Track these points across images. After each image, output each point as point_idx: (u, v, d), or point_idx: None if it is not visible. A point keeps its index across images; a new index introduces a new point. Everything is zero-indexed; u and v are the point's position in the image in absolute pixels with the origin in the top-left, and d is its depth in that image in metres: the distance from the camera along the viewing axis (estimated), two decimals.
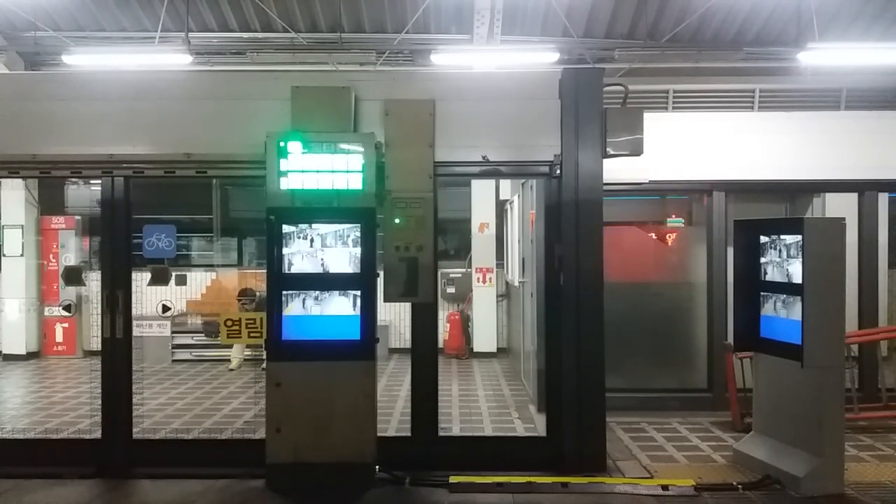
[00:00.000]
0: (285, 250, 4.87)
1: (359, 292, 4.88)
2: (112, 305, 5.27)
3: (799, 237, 4.85)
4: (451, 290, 10.74)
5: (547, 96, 5.27)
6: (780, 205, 7.92)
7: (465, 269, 10.79)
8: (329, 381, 4.86)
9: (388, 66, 10.29)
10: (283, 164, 4.90)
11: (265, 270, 4.94)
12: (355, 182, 4.92)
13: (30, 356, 10.08)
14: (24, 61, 10.46)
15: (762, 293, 5.32)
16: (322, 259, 4.89)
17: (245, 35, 10.21)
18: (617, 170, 5.75)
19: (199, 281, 10.74)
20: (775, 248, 5.18)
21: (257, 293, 8.58)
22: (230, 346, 9.05)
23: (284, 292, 4.87)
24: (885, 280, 7.25)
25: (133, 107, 5.26)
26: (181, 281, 10.46)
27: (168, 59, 9.16)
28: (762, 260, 5.31)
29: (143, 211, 6.11)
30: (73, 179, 9.01)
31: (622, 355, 6.69)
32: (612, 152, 5.25)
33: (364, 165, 4.92)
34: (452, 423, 6.60)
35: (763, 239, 5.30)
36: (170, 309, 6.33)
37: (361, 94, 5.22)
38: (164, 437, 5.97)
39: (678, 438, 6.04)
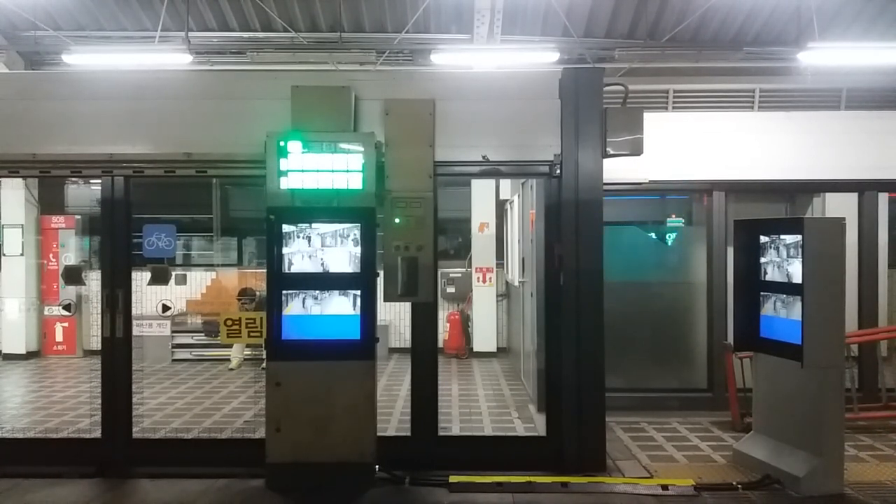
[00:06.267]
0: (285, 250, 4.87)
1: (359, 292, 4.87)
2: (112, 305, 5.27)
3: (799, 237, 4.85)
4: (451, 289, 10.74)
5: (547, 96, 5.27)
6: (780, 205, 7.91)
7: (465, 269, 10.79)
8: (329, 380, 4.86)
9: (388, 65, 10.29)
10: (283, 164, 4.90)
11: (265, 270, 4.93)
12: (355, 182, 4.92)
13: (30, 355, 10.08)
14: (25, 61, 10.46)
15: (762, 293, 5.32)
16: (322, 259, 4.89)
17: (245, 34, 10.21)
18: (617, 170, 5.75)
19: (198, 280, 10.74)
20: (775, 248, 5.18)
21: (257, 293, 8.58)
22: (230, 346, 9.05)
23: (284, 292, 4.87)
24: (885, 280, 7.26)
25: (133, 106, 5.26)
26: (181, 280, 10.47)
27: (168, 58, 9.15)
28: (762, 260, 5.31)
29: (143, 210, 6.12)
30: (73, 179, 9.01)
31: (622, 355, 6.69)
32: (612, 152, 5.25)
33: (364, 165, 4.92)
34: (452, 422, 6.60)
35: (763, 239, 5.30)
36: (170, 308, 6.33)
37: (361, 94, 5.22)
38: (164, 437, 5.98)
39: (678, 438, 6.05)
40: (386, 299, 5.11)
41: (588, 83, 5.28)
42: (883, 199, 7.12)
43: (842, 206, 7.00)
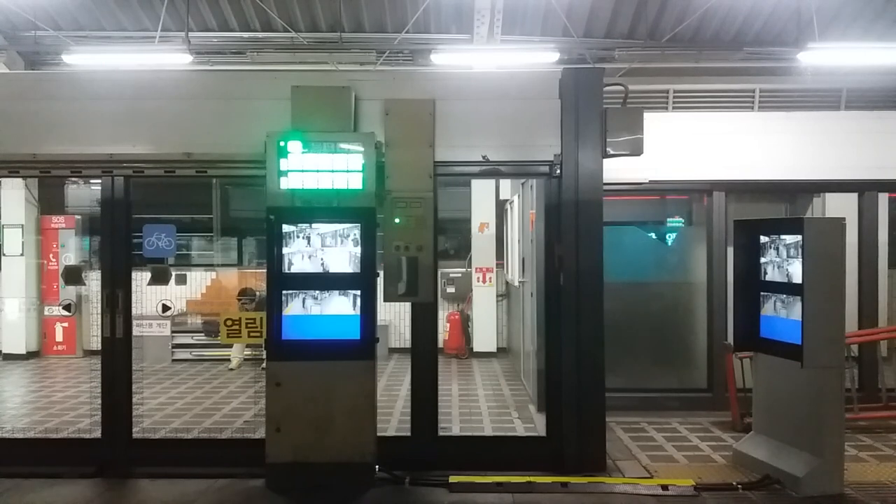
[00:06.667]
0: (285, 250, 4.87)
1: (359, 292, 4.87)
2: (112, 305, 5.27)
3: (799, 237, 4.85)
4: (451, 290, 10.74)
5: (547, 96, 5.27)
6: (780, 205, 7.92)
7: (465, 269, 10.79)
8: (329, 380, 4.86)
9: (388, 65, 10.29)
10: (283, 164, 4.90)
11: (265, 270, 4.93)
12: (355, 182, 4.92)
13: (30, 356, 10.08)
14: (25, 61, 10.46)
15: (762, 293, 5.31)
16: (322, 259, 4.89)
17: (245, 34, 10.21)
18: (617, 170, 5.75)
19: (198, 280, 10.74)
20: (775, 248, 5.18)
21: (257, 293, 8.58)
22: (230, 346, 9.05)
23: (284, 292, 4.87)
24: (885, 280, 7.25)
25: (133, 106, 5.26)
26: (181, 280, 10.47)
27: (168, 58, 9.16)
28: (762, 260, 5.31)
29: (143, 210, 6.12)
30: (73, 179, 9.02)
31: (622, 355, 6.68)
32: (612, 152, 5.25)
33: (364, 165, 4.92)
34: (452, 422, 6.60)
35: (763, 239, 5.30)
36: (170, 308, 6.33)
37: (361, 94, 5.22)
38: (164, 437, 5.98)
39: (678, 438, 6.04)
40: (386, 299, 5.11)
41: (588, 83, 5.28)
42: (883, 199, 7.12)
43: (842, 206, 7.00)
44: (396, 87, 5.31)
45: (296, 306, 4.88)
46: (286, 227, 4.86)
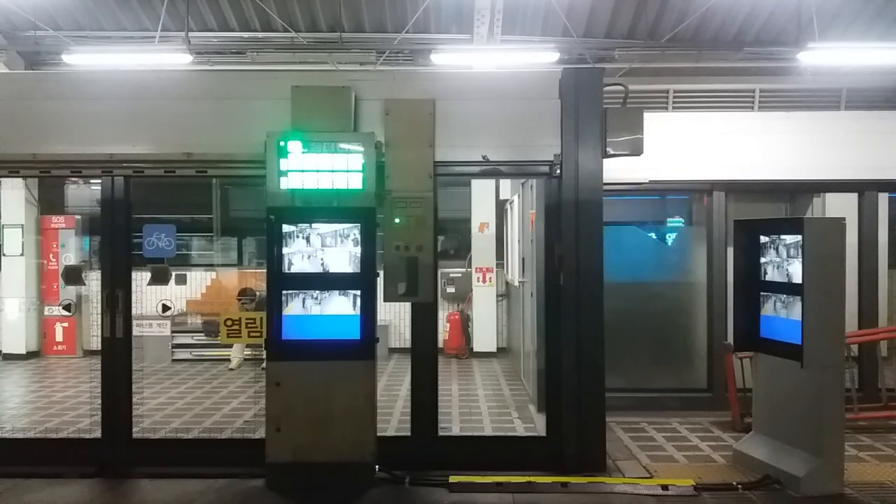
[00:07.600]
0: (285, 250, 4.87)
1: (359, 292, 4.88)
2: (112, 305, 5.27)
3: (799, 237, 4.85)
4: (451, 290, 10.74)
5: (547, 96, 5.27)
6: (780, 205, 7.92)
7: (465, 269, 10.79)
8: (329, 380, 4.86)
9: (388, 65, 10.29)
10: (283, 164, 4.90)
11: (265, 270, 4.93)
12: (355, 182, 4.92)
13: (30, 355, 10.08)
14: (25, 61, 10.47)
15: (762, 293, 5.32)
16: (322, 259, 4.89)
17: (245, 34, 10.21)
18: (617, 170, 5.76)
19: (198, 280, 10.74)
20: (775, 248, 5.18)
21: (257, 293, 8.58)
22: (230, 346, 9.05)
23: (284, 292, 4.87)
24: (885, 280, 7.26)
25: (133, 106, 5.26)
26: (181, 280, 10.47)
27: (168, 58, 9.16)
28: (762, 260, 5.31)
29: (143, 210, 6.11)
30: (74, 179, 9.02)
31: (622, 355, 6.68)
32: (612, 152, 5.25)
33: (364, 165, 4.92)
34: (452, 422, 6.60)
35: (763, 239, 5.30)
36: (170, 308, 6.34)
37: (361, 94, 5.22)
38: (164, 437, 5.97)
39: (678, 438, 6.04)
40: (386, 299, 5.11)
41: (588, 83, 5.28)
42: (883, 199, 7.13)
43: (842, 206, 7.00)
44: (396, 87, 5.31)
45: (296, 306, 4.88)
46: (286, 227, 4.86)
